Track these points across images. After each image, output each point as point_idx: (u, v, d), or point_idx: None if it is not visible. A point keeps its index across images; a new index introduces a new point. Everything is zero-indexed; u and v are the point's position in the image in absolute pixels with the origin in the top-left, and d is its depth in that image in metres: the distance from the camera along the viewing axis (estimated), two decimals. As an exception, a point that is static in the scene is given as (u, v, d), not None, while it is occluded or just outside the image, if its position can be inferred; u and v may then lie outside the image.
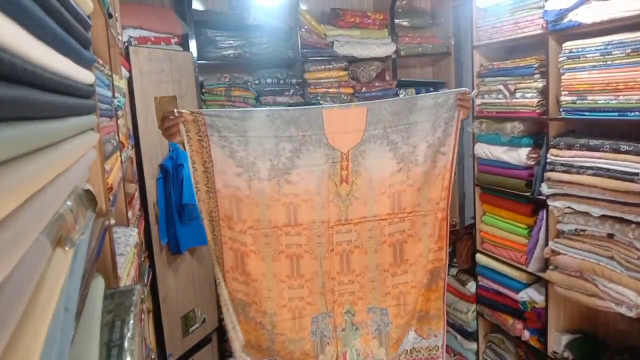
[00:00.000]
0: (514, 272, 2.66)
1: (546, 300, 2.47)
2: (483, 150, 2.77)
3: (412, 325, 2.09)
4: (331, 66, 3.26)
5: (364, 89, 3.34)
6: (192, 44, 2.91)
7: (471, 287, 3.11)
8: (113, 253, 1.09)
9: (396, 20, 3.46)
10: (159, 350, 2.61)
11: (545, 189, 2.26)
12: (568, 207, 2.19)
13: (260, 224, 1.86)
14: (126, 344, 0.75)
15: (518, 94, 2.48)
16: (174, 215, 2.64)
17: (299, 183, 1.85)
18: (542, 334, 2.57)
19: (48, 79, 0.47)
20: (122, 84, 1.98)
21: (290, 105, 3.15)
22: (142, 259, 1.96)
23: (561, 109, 2.22)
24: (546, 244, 2.37)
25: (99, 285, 0.85)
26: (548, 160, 2.25)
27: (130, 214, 1.72)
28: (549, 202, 2.27)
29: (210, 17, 3.07)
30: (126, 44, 2.45)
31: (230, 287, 1.91)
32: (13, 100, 0.36)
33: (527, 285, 2.62)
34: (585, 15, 2.04)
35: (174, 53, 2.73)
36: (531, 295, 2.57)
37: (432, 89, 3.55)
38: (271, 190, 1.82)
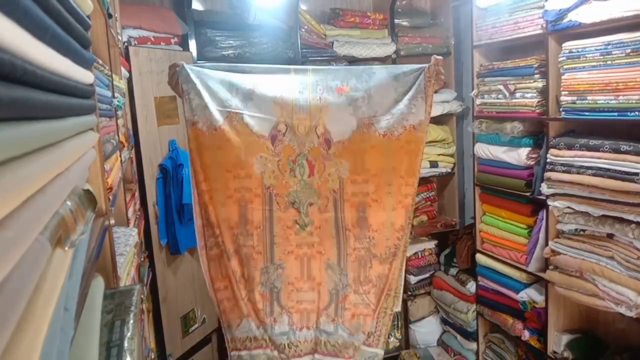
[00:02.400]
0: (514, 272, 2.66)
1: (546, 300, 2.47)
2: (483, 150, 2.77)
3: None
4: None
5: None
6: (192, 44, 2.91)
7: (471, 287, 3.11)
8: (113, 253, 1.09)
9: (396, 20, 3.46)
10: (159, 350, 2.61)
11: (545, 189, 2.26)
12: (568, 207, 2.19)
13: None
14: (126, 344, 0.75)
15: (518, 94, 2.48)
16: (174, 215, 2.64)
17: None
18: (542, 333, 2.57)
19: (48, 79, 0.47)
20: (121, 84, 1.98)
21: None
22: (142, 259, 1.96)
23: (561, 109, 2.22)
24: (546, 244, 2.37)
25: (98, 285, 0.84)
26: (548, 160, 2.25)
27: (130, 214, 1.72)
28: (549, 202, 2.27)
29: (210, 17, 3.07)
30: (126, 44, 2.45)
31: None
32: (13, 100, 0.36)
33: (527, 285, 2.62)
34: (585, 15, 2.03)
35: (174, 53, 2.73)
36: (531, 295, 2.57)
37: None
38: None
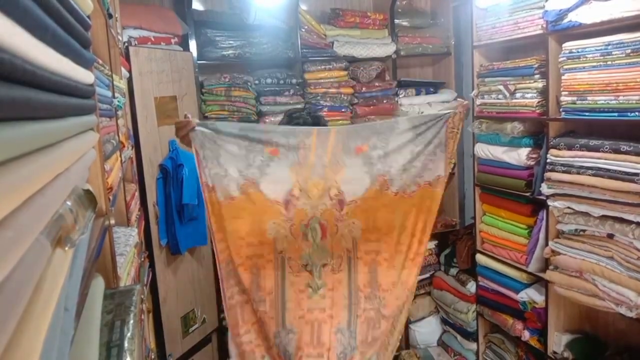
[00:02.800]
0: (514, 272, 2.66)
1: (546, 301, 2.47)
2: (483, 150, 2.77)
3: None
4: (331, 66, 3.26)
5: (364, 89, 3.34)
6: (192, 44, 2.91)
7: (471, 287, 3.11)
8: (113, 253, 1.09)
9: (396, 20, 3.46)
10: (159, 351, 2.61)
11: (545, 189, 2.26)
12: (568, 207, 2.19)
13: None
14: (126, 344, 0.75)
15: (518, 94, 2.48)
16: (174, 215, 2.64)
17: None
18: (542, 334, 2.57)
19: (48, 79, 0.47)
20: (122, 84, 1.98)
21: (290, 104, 3.15)
22: (142, 259, 1.96)
23: (561, 109, 2.22)
24: (546, 244, 2.37)
25: (98, 285, 0.84)
26: (548, 161, 2.25)
27: (130, 214, 1.72)
28: (549, 202, 2.27)
29: (210, 17, 3.07)
30: (126, 44, 2.45)
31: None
32: (13, 100, 0.36)
33: (527, 286, 2.62)
34: (585, 16, 2.03)
35: (174, 53, 2.73)
36: (531, 295, 2.57)
37: (432, 89, 3.56)
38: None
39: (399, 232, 1.97)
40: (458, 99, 1.97)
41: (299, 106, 3.13)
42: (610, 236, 2.07)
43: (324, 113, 3.09)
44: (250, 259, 1.92)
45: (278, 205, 1.91)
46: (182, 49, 2.83)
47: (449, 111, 1.92)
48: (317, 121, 2.14)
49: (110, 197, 1.16)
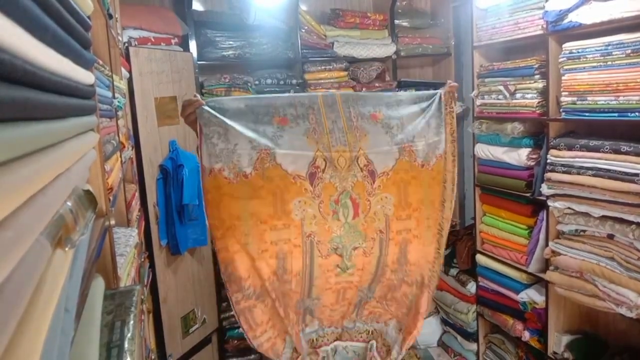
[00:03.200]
0: (514, 272, 2.66)
1: (546, 301, 2.47)
2: (483, 150, 2.77)
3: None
4: (331, 67, 3.26)
5: (364, 90, 3.34)
6: (192, 45, 2.91)
7: (471, 287, 3.11)
8: (113, 253, 1.09)
9: (396, 21, 3.46)
10: (159, 351, 2.61)
11: (545, 189, 2.26)
12: (568, 208, 2.19)
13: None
14: (126, 345, 0.75)
15: (518, 95, 2.48)
16: (174, 215, 2.64)
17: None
18: (542, 334, 2.57)
19: (48, 80, 0.47)
20: (122, 85, 1.98)
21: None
22: (142, 260, 1.96)
23: (561, 110, 2.22)
24: (546, 245, 2.37)
25: (99, 286, 0.84)
26: (548, 161, 2.24)
27: (130, 214, 1.72)
28: (549, 203, 2.27)
29: (210, 18, 3.07)
30: (126, 45, 2.45)
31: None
32: (13, 101, 0.36)
33: (527, 286, 2.62)
34: (585, 16, 2.04)
35: (174, 53, 2.73)
36: (531, 295, 2.57)
37: (432, 89, 3.55)
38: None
39: (427, 206, 1.91)
40: (448, 81, 1.97)
41: None
42: (611, 237, 2.07)
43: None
44: (275, 244, 1.76)
45: (301, 180, 1.73)
46: (182, 50, 2.83)
47: (440, 90, 1.91)
48: None
49: (111, 198, 1.16)
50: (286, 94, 2.00)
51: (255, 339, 1.87)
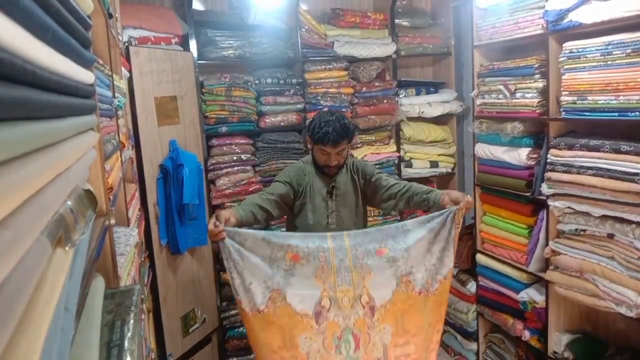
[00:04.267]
0: (514, 272, 2.66)
1: (546, 301, 2.47)
2: (483, 150, 2.77)
3: None
4: (331, 66, 3.26)
5: (364, 89, 3.34)
6: (192, 44, 2.91)
7: (471, 287, 3.11)
8: (113, 253, 1.09)
9: (396, 20, 3.46)
10: (159, 350, 2.61)
11: (545, 189, 2.26)
12: (568, 207, 2.19)
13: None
14: (126, 344, 0.75)
15: (518, 94, 2.48)
16: (174, 215, 2.64)
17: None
18: (542, 334, 2.56)
19: (48, 79, 0.47)
20: (122, 84, 1.98)
21: (290, 104, 3.15)
22: (142, 259, 1.96)
23: (561, 109, 2.22)
24: (546, 244, 2.37)
25: (99, 285, 0.85)
26: (548, 161, 2.24)
27: (130, 214, 1.72)
28: (549, 202, 2.27)
29: (211, 17, 3.07)
30: (126, 44, 2.45)
31: None
32: (13, 100, 0.36)
33: (527, 285, 2.62)
34: (585, 16, 2.03)
35: (174, 53, 2.73)
36: (531, 295, 2.57)
37: (432, 89, 3.55)
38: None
39: (425, 330, 2.01)
40: (465, 198, 2.00)
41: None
42: (611, 236, 2.07)
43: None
44: None
45: (308, 319, 1.91)
46: (182, 49, 2.83)
47: (454, 207, 1.96)
48: (346, 129, 2.14)
49: (111, 197, 1.16)
50: (299, 233, 2.12)
51: None
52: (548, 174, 2.23)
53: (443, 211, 1.97)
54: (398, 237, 1.96)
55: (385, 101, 3.37)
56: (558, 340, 2.49)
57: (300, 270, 1.89)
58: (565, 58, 2.14)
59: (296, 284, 1.89)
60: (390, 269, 1.94)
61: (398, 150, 3.40)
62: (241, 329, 3.17)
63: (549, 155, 2.24)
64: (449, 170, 3.51)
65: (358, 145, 3.34)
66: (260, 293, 1.87)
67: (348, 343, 1.94)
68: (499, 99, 2.59)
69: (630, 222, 1.94)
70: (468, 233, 3.27)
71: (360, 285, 1.92)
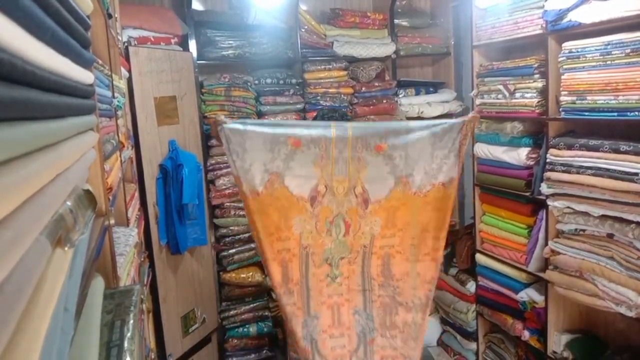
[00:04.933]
0: (513, 272, 2.66)
1: (546, 300, 2.47)
2: (483, 150, 2.77)
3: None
4: (331, 66, 3.26)
5: (363, 89, 3.34)
6: (192, 44, 2.91)
7: (471, 287, 3.11)
8: (113, 253, 1.09)
9: (396, 20, 3.46)
10: (159, 350, 2.61)
11: (545, 188, 2.26)
12: (568, 207, 2.19)
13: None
14: (126, 344, 0.75)
15: (518, 94, 2.48)
16: (174, 215, 2.64)
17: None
18: (541, 333, 2.57)
19: (48, 79, 0.47)
20: (121, 84, 1.98)
21: (289, 104, 3.15)
22: (142, 259, 1.96)
23: (561, 109, 2.22)
24: (546, 244, 2.37)
25: (98, 285, 0.85)
26: (548, 160, 2.25)
27: (130, 214, 1.72)
28: (549, 202, 2.27)
29: (210, 17, 3.07)
30: (126, 44, 2.45)
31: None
32: (13, 100, 0.36)
33: (526, 285, 2.62)
34: (584, 15, 2.03)
35: (174, 53, 2.73)
36: (531, 295, 2.57)
37: (431, 89, 3.55)
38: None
39: (413, 227, 2.09)
40: (472, 112, 2.18)
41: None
42: (610, 236, 2.07)
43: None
44: (280, 253, 2.01)
45: (304, 202, 2.00)
46: (181, 49, 2.83)
47: (463, 118, 2.04)
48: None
49: (110, 197, 1.16)
50: (306, 121, 2.27)
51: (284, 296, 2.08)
52: (547, 174, 2.23)
53: (449, 120, 2.06)
54: (400, 134, 2.02)
55: (384, 101, 3.37)
56: (557, 340, 2.49)
57: (301, 156, 1.96)
58: (564, 58, 2.14)
59: (295, 168, 1.96)
60: (386, 166, 2.03)
61: (398, 150, 3.39)
62: (241, 329, 3.17)
63: (548, 155, 2.24)
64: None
65: (358, 145, 3.34)
66: (259, 175, 1.93)
67: (339, 227, 2.05)
68: (498, 98, 2.60)
69: (629, 222, 1.94)
70: (467, 233, 3.27)
71: (355, 177, 2.02)
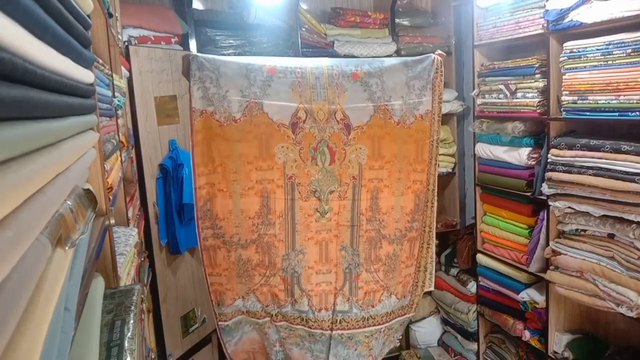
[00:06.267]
0: (514, 272, 2.66)
1: (547, 301, 2.47)
2: (484, 150, 2.77)
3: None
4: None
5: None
6: (192, 44, 2.90)
7: (472, 287, 3.11)
8: (113, 253, 1.09)
9: (397, 20, 3.46)
10: (159, 350, 2.61)
11: (546, 189, 2.26)
12: (569, 207, 2.19)
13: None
14: (126, 344, 0.75)
15: (519, 94, 2.48)
16: (174, 215, 2.63)
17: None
18: (542, 334, 2.56)
19: (48, 79, 0.47)
20: (122, 84, 1.98)
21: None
22: (142, 259, 1.96)
23: (562, 109, 2.22)
24: (547, 244, 2.37)
25: (99, 285, 0.84)
26: (549, 160, 2.24)
27: (130, 213, 1.72)
28: (550, 202, 2.27)
29: (210, 17, 3.07)
30: (126, 44, 2.45)
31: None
32: (13, 100, 0.36)
33: (527, 286, 2.61)
34: (586, 15, 2.03)
35: (174, 52, 2.73)
36: (532, 295, 2.57)
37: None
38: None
39: (399, 160, 2.13)
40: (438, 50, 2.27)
41: None
42: (611, 236, 2.07)
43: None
44: (260, 183, 1.99)
45: (285, 128, 1.99)
46: (182, 49, 2.83)
47: (431, 54, 2.14)
48: None
49: (110, 197, 1.16)
50: (279, 58, 2.27)
51: (211, 276, 2.11)
52: (548, 174, 2.23)
53: (421, 56, 2.15)
54: (374, 63, 2.10)
55: (385, 101, 3.37)
56: (558, 340, 2.49)
57: (277, 82, 1.97)
58: (565, 58, 2.14)
59: (273, 94, 1.95)
60: (364, 93, 2.06)
61: (398, 149, 3.39)
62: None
63: (549, 155, 2.24)
64: (450, 170, 3.51)
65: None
66: (237, 102, 1.92)
67: (324, 155, 2.05)
68: (499, 98, 2.59)
69: (630, 222, 1.94)
70: (468, 233, 3.27)
71: (335, 102, 2.03)
